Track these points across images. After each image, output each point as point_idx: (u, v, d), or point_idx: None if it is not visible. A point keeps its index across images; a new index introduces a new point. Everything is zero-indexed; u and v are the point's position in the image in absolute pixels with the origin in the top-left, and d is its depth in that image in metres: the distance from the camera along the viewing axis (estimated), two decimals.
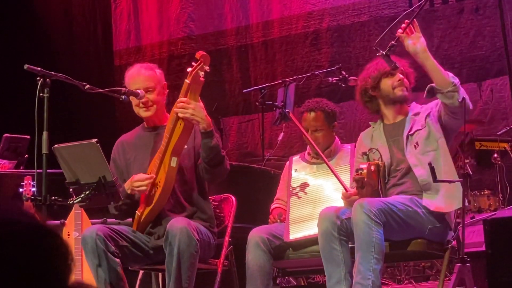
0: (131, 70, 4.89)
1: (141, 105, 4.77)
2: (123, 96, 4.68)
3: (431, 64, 4.39)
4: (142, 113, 4.81)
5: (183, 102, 4.52)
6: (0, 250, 1.21)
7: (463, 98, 4.36)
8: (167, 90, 4.89)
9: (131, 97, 4.74)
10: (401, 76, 4.69)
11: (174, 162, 4.56)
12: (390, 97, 4.69)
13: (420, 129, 4.58)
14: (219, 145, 4.61)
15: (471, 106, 4.48)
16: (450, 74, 4.41)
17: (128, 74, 4.87)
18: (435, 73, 4.39)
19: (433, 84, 4.40)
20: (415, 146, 4.56)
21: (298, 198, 5.03)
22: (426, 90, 4.43)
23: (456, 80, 4.39)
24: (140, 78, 4.79)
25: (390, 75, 4.68)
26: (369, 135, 4.81)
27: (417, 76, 4.78)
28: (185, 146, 4.65)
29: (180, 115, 4.53)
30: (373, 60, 4.77)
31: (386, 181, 4.62)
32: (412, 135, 4.59)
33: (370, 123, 4.89)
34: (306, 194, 5.03)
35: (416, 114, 4.68)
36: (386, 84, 4.69)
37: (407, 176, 4.57)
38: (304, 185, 5.07)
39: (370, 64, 4.82)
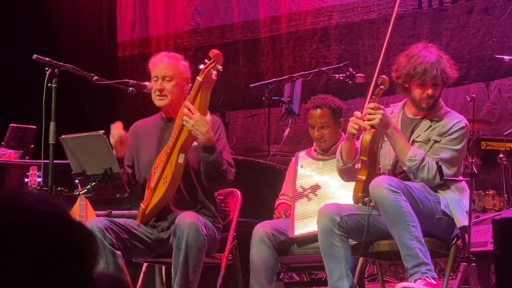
0: (155, 56, 4.86)
1: (157, 92, 4.73)
2: (130, 88, 4.67)
3: (391, 141, 4.40)
4: (157, 101, 4.75)
5: (189, 110, 4.46)
6: (25, 239, 1.21)
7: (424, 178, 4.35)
8: (190, 84, 4.75)
9: (152, 83, 4.72)
10: (432, 91, 4.46)
11: (181, 159, 4.54)
12: (415, 103, 4.53)
13: (425, 143, 4.49)
14: (219, 161, 4.54)
15: (448, 175, 4.37)
16: (411, 156, 4.35)
17: (151, 60, 4.84)
18: (394, 149, 4.43)
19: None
20: None
21: (304, 194, 5.03)
22: None
23: (413, 164, 4.34)
24: (160, 65, 4.74)
25: (422, 85, 4.45)
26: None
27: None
28: (195, 143, 4.62)
29: (183, 122, 4.51)
30: (417, 48, 4.53)
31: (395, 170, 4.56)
32: (415, 142, 4.52)
33: (390, 105, 4.78)
34: (311, 190, 5.02)
35: (433, 120, 4.52)
36: (416, 91, 4.48)
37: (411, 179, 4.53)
38: (310, 182, 5.06)
39: (413, 57, 4.50)
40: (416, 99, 4.50)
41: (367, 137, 4.36)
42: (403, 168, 4.40)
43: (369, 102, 4.45)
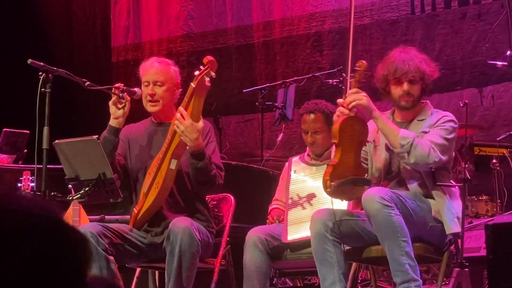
0: (146, 62, 4.87)
1: (148, 97, 4.74)
2: (121, 94, 4.67)
3: (380, 124, 4.39)
4: (149, 107, 4.77)
5: (181, 115, 4.47)
6: (18, 243, 1.21)
7: (416, 160, 4.32)
8: (181, 89, 4.80)
9: (143, 88, 4.73)
10: (407, 87, 4.47)
11: (173, 165, 4.55)
12: (395, 104, 4.57)
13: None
14: (208, 167, 4.55)
15: (442, 159, 4.35)
16: (403, 134, 4.35)
17: (142, 65, 4.85)
18: (384, 133, 4.41)
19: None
20: None
21: (299, 203, 5.03)
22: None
23: (406, 142, 4.32)
24: (151, 70, 4.76)
25: (397, 83, 4.49)
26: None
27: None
28: (187, 147, 4.62)
29: (174, 127, 4.51)
30: (393, 52, 4.61)
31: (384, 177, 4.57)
32: None
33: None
34: (307, 199, 5.02)
35: (422, 120, 4.54)
36: (393, 89, 4.51)
37: (404, 184, 4.52)
38: (304, 187, 5.07)
39: (388, 59, 4.59)
40: (396, 99, 4.51)
41: (340, 119, 4.35)
42: (396, 150, 4.37)
43: (349, 88, 4.46)
